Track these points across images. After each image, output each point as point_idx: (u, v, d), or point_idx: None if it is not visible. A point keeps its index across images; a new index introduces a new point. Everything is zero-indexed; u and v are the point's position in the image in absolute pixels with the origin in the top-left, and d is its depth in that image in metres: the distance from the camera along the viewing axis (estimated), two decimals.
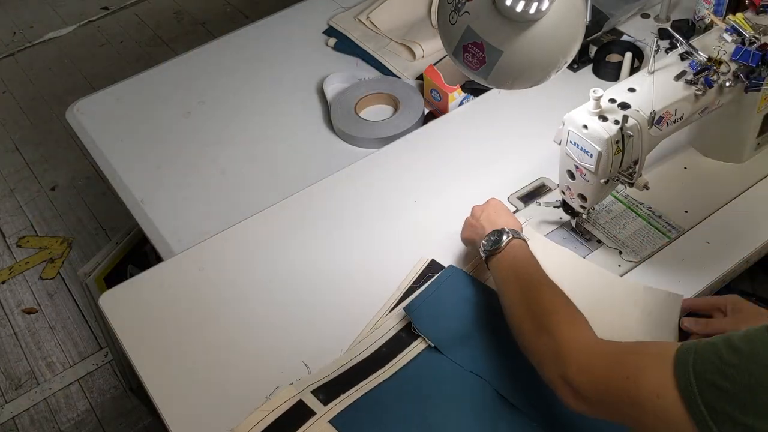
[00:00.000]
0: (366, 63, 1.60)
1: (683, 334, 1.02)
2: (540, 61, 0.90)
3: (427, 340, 1.04)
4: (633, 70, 1.44)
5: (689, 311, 1.04)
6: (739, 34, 1.11)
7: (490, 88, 1.35)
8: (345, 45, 1.64)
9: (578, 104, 1.04)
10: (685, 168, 1.27)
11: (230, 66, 1.64)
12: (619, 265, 1.13)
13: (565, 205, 1.15)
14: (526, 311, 0.91)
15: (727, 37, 1.11)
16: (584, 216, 1.15)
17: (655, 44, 1.12)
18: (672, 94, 1.07)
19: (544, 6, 0.84)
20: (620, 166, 1.04)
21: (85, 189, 2.55)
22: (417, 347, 1.04)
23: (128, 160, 1.44)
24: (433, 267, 1.14)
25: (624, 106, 1.04)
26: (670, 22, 1.55)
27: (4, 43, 3.24)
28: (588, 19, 0.90)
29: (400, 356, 1.03)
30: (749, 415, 0.64)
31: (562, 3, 0.86)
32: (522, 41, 0.87)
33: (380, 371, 1.02)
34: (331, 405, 0.98)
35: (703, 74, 1.08)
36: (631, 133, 1.01)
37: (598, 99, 1.01)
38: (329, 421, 0.96)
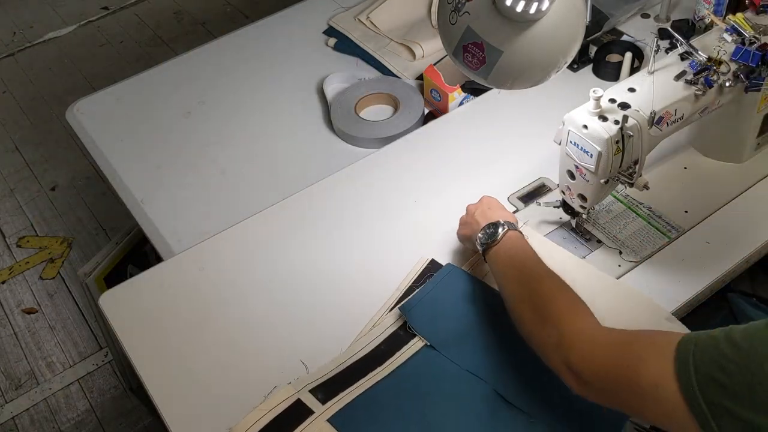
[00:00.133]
0: (366, 63, 1.60)
1: None
2: (540, 61, 0.90)
3: (423, 339, 1.04)
4: (633, 70, 1.44)
5: None
6: (739, 34, 1.11)
7: (490, 88, 1.35)
8: (345, 45, 1.64)
9: (578, 104, 1.04)
10: (685, 168, 1.27)
11: (230, 66, 1.64)
12: (619, 265, 1.13)
13: (565, 205, 1.15)
14: (527, 301, 0.92)
15: (727, 37, 1.11)
16: (584, 216, 1.15)
17: (655, 44, 1.12)
18: (672, 94, 1.07)
19: (544, 6, 0.84)
20: (620, 166, 1.04)
21: (85, 189, 2.55)
22: (415, 345, 1.04)
23: (128, 160, 1.44)
24: (433, 267, 1.14)
25: (624, 106, 1.04)
26: (670, 22, 1.54)
27: (4, 43, 3.24)
28: (588, 19, 0.90)
29: (398, 354, 1.03)
30: (748, 410, 0.64)
31: (562, 3, 0.86)
32: (522, 41, 0.87)
33: (378, 369, 1.02)
34: (329, 404, 0.98)
35: (703, 74, 1.08)
36: (631, 133, 1.01)
37: (598, 99, 1.01)
38: (327, 420, 0.96)
